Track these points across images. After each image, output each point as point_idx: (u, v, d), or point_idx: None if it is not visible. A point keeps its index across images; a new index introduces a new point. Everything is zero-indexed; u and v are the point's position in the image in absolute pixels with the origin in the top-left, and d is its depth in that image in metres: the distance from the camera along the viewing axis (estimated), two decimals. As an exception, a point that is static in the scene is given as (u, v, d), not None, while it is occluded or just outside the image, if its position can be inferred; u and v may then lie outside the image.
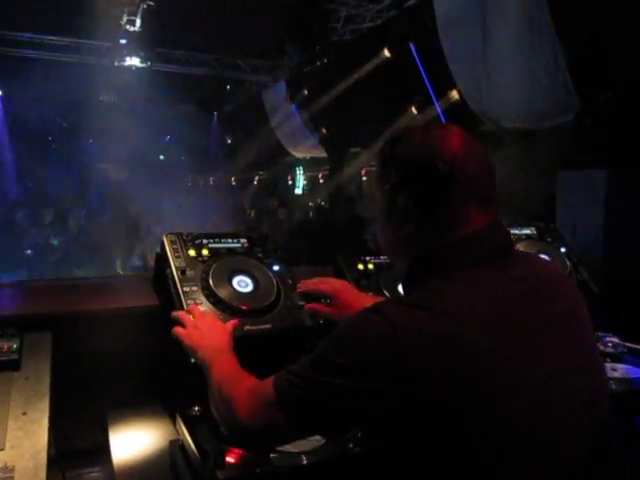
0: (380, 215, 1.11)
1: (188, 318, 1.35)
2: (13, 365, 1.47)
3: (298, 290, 1.51)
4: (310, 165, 12.11)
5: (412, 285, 1.01)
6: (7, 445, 1.28)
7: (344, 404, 0.90)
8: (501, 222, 1.04)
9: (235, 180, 12.72)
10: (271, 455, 1.13)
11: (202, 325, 1.32)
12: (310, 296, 1.50)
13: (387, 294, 1.81)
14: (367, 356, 0.89)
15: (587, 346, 1.02)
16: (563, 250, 2.23)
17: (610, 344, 1.88)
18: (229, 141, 12.18)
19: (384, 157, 1.07)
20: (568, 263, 2.17)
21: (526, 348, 0.91)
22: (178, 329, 1.33)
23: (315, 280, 1.53)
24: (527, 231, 2.27)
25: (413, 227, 1.03)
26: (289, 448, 1.16)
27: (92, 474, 1.65)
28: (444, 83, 5.87)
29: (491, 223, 1.01)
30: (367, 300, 1.43)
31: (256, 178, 13.21)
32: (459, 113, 5.46)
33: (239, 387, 1.06)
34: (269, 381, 1.01)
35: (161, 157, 12.26)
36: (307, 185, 12.70)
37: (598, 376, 1.01)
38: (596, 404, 0.97)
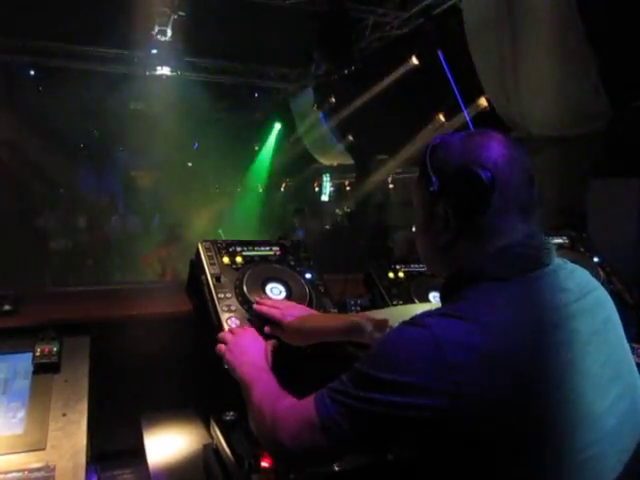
0: (419, 223, 1.10)
1: (230, 336, 1.36)
2: (53, 368, 1.52)
3: (255, 307, 1.46)
4: (337, 172, 12.13)
5: (451, 295, 0.99)
6: (48, 445, 1.33)
7: (390, 421, 0.89)
8: (542, 231, 1.02)
9: (262, 187, 12.81)
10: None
11: (242, 342, 1.33)
12: (265, 317, 1.45)
13: (417, 302, 1.82)
14: (413, 370, 0.87)
15: (626, 355, 1.01)
16: (596, 260, 2.20)
17: (645, 355, 1.85)
18: (257, 148, 12.28)
19: (424, 163, 1.05)
20: (601, 273, 2.14)
21: (572, 360, 0.89)
22: (220, 346, 1.34)
23: (270, 302, 1.47)
24: (559, 240, 2.25)
25: (452, 235, 1.01)
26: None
27: (126, 475, 1.69)
28: (472, 90, 5.83)
29: (532, 232, 1.00)
30: (328, 320, 1.40)
31: (283, 185, 13.28)
32: (488, 120, 5.41)
33: (280, 406, 1.05)
34: (309, 401, 0.98)
35: (189, 164, 12.42)
36: (333, 192, 12.72)
37: (636, 384, 1.00)
38: (637, 412, 0.96)
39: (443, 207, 1.01)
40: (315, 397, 0.98)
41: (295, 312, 1.42)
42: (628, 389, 0.97)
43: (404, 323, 0.94)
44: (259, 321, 1.44)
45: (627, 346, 1.02)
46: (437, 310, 0.95)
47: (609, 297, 1.06)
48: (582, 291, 0.99)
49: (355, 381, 0.93)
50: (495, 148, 0.99)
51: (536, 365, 0.86)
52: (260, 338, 1.36)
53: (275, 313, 1.42)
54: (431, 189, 1.02)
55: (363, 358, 0.95)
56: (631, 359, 1.02)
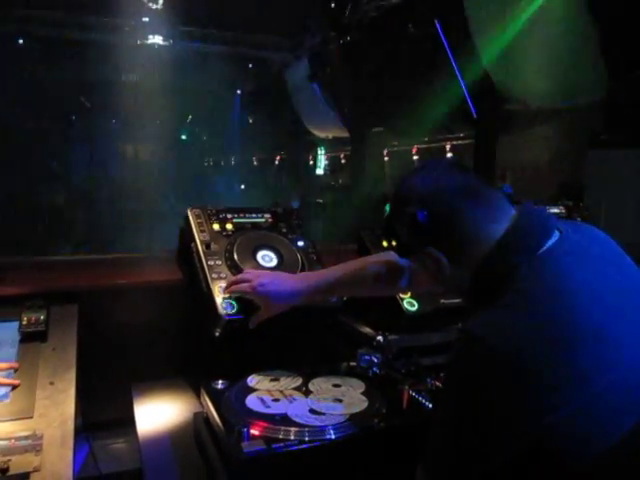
0: (428, 274, 1.09)
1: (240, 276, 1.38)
2: (40, 336, 1.50)
3: (229, 291, 1.39)
4: (332, 145, 12.01)
5: (486, 297, 0.95)
6: (36, 414, 1.30)
7: (502, 455, 0.82)
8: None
9: (256, 160, 12.69)
10: (296, 429, 1.13)
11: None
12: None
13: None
14: (508, 396, 0.82)
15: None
16: (593, 230, 2.19)
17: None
18: (251, 120, 12.14)
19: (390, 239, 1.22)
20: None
21: (630, 321, 0.90)
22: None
23: (234, 279, 1.39)
24: (556, 210, 2.23)
25: (444, 257, 1.02)
26: (314, 422, 1.15)
27: (118, 445, 1.68)
28: (470, 61, 5.74)
29: (533, 208, 1.02)
30: (295, 282, 1.33)
31: (277, 158, 13.16)
32: (485, 91, 5.34)
33: None
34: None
35: (183, 137, 12.27)
36: (328, 165, 12.61)
37: None
38: None
39: (421, 248, 1.04)
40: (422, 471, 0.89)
41: (265, 279, 1.34)
42: None
43: (459, 350, 0.90)
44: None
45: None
46: (480, 318, 0.91)
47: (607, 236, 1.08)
48: (608, 249, 1.03)
49: (455, 436, 0.85)
50: (417, 180, 1.06)
51: (602, 334, 0.85)
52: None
53: (245, 288, 1.34)
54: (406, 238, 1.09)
55: (443, 403, 0.90)
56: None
